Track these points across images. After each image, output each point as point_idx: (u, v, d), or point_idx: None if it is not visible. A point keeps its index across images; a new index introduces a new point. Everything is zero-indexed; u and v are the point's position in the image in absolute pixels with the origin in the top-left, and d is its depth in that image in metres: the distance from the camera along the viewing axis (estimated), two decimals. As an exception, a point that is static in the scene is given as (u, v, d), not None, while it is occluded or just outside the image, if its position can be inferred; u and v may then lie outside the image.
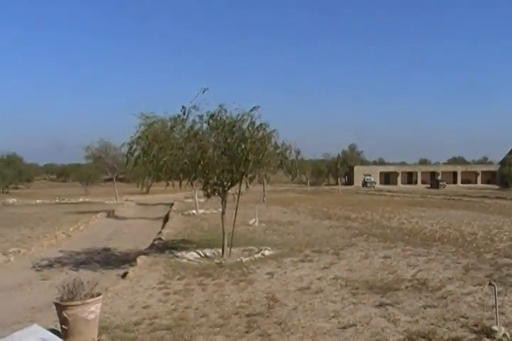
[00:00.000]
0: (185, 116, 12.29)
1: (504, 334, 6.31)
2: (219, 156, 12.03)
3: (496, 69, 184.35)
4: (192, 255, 13.54)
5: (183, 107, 12.17)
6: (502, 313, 7.18)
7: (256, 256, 12.96)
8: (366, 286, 9.34)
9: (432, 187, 76.31)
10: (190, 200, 34.89)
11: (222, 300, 8.69)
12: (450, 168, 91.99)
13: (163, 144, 11.98)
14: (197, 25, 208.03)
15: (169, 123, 12.57)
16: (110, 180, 51.08)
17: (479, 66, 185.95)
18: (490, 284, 6.99)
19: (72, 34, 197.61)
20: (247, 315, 7.70)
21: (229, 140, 12.12)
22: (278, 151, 12.63)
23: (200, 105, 12.02)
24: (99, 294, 6.66)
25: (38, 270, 13.24)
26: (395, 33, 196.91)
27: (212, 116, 12.27)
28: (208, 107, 12.18)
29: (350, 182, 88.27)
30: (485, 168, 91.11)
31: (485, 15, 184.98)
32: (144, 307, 8.37)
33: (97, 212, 30.61)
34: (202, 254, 13.66)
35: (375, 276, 10.27)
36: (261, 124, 12.20)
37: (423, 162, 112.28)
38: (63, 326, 6.31)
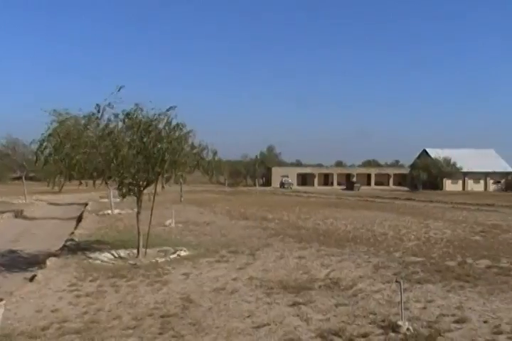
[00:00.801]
0: (99, 114, 11.98)
1: (408, 329, 6.66)
2: (134, 156, 11.81)
3: (412, 74, 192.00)
4: (106, 256, 13.17)
5: (97, 105, 11.88)
6: (407, 308, 7.52)
7: (172, 256, 12.82)
8: (280, 286, 9.48)
9: (347, 188, 78.97)
10: (105, 200, 33.92)
11: (135, 302, 8.51)
12: (364, 171, 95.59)
13: (76, 142, 11.61)
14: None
15: (83, 121, 12.18)
16: (19, 178, 48.67)
17: (397, 71, 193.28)
18: (396, 281, 7.31)
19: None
20: (161, 316, 7.60)
21: (145, 139, 11.91)
22: (194, 151, 12.59)
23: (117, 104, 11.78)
24: (0, 299, 6.31)
25: None
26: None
27: (128, 114, 12.04)
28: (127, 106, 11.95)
29: (267, 183, 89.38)
30: (396, 171, 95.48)
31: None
32: (52, 311, 8.01)
33: (3, 212, 28.96)
34: (116, 255, 13.32)
35: (289, 276, 10.45)
36: (177, 124, 12.14)
37: (339, 164, 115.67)
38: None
